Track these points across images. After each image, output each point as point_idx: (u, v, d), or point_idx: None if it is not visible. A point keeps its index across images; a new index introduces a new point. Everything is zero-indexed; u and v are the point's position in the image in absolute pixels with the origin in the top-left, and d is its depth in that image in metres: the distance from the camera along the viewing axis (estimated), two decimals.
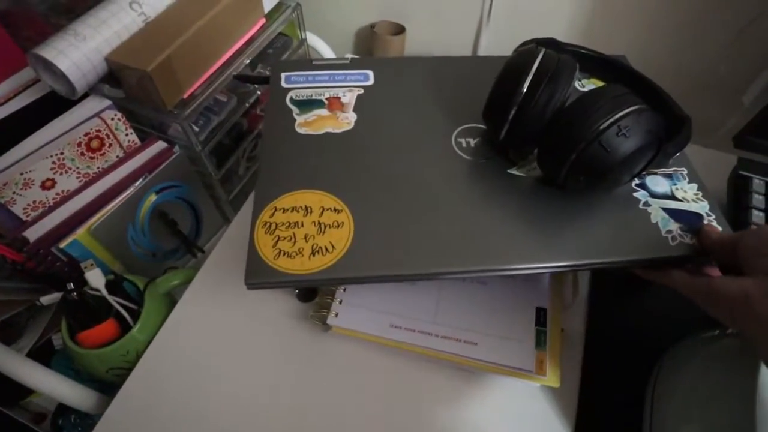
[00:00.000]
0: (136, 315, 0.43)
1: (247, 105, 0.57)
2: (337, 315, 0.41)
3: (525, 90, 0.34)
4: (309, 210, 0.36)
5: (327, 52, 0.67)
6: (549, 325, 0.41)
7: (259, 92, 0.58)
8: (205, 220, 0.57)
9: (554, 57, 0.35)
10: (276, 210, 0.36)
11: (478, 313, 0.41)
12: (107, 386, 0.43)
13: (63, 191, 0.44)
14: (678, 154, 0.39)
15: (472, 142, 0.40)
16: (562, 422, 0.38)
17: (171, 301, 0.46)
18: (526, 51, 0.36)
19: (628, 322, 0.44)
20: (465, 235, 0.35)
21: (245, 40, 0.54)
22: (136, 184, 0.46)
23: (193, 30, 0.46)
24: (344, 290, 0.42)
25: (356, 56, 0.48)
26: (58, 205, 0.43)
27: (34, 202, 0.42)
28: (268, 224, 0.35)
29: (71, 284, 0.41)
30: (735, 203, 0.49)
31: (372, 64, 0.47)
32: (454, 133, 0.41)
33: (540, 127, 0.34)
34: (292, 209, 0.36)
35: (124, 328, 0.43)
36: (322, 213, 0.36)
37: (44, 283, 0.44)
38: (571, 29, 0.59)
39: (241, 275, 0.34)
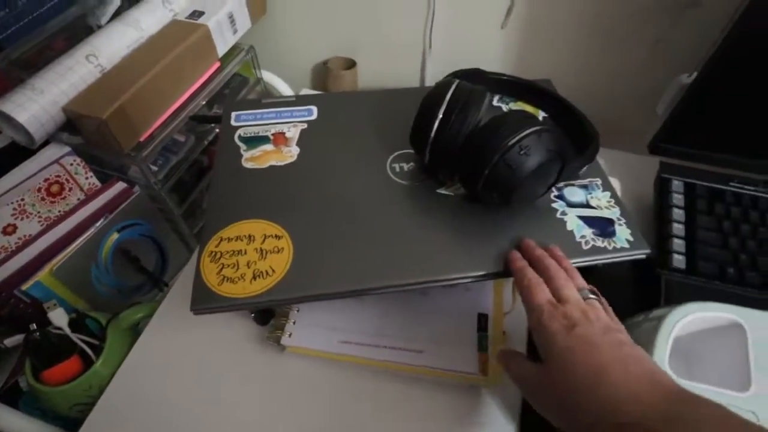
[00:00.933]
0: (99, 350, 0.45)
1: (206, 143, 0.60)
2: (290, 335, 0.43)
3: (440, 118, 0.38)
4: (252, 238, 0.39)
5: (283, 87, 0.71)
6: (491, 329, 0.43)
7: (217, 130, 0.62)
8: (171, 255, 0.59)
9: (466, 87, 0.39)
10: (222, 240, 0.39)
11: (423, 323, 0.44)
12: (73, 424, 0.44)
13: (24, 236, 0.46)
14: (587, 167, 0.42)
15: (406, 166, 0.44)
16: (507, 419, 0.40)
17: (135, 334, 0.48)
18: (443, 83, 0.40)
19: None
20: (398, 252, 0.38)
21: (201, 83, 0.58)
22: (97, 224, 0.49)
23: (147, 78, 0.50)
24: (297, 311, 0.45)
25: (304, 93, 0.52)
26: (20, 249, 0.45)
27: None
28: (213, 253, 0.38)
29: (33, 325, 0.43)
30: (659, 203, 0.53)
31: (317, 100, 0.51)
32: (389, 160, 0.45)
33: (456, 150, 0.38)
34: (236, 238, 0.39)
35: (88, 364, 0.44)
36: (264, 240, 0.38)
37: (7, 326, 0.46)
38: (505, 56, 0.64)
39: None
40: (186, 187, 0.60)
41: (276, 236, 0.39)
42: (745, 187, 0.53)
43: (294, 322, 0.44)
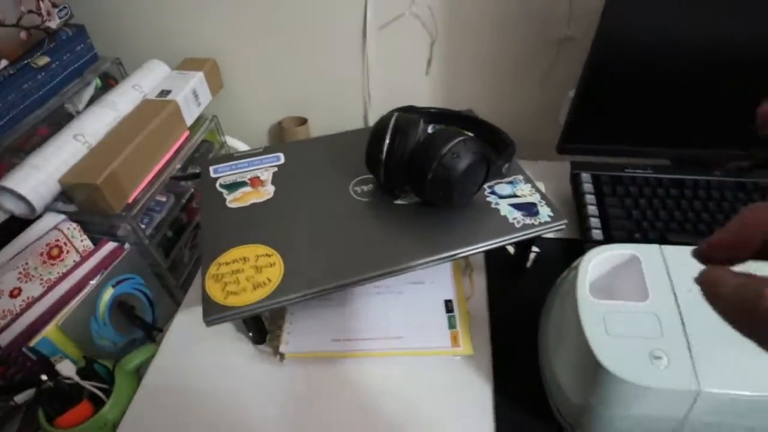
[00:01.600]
0: (107, 393, 0.48)
1: (183, 201, 0.67)
2: (287, 344, 0.49)
3: (387, 142, 0.47)
4: (246, 259, 0.45)
5: (244, 148, 0.80)
6: (457, 310, 0.51)
7: (192, 189, 0.69)
8: (159, 307, 0.63)
9: (404, 116, 0.49)
10: (220, 264, 0.45)
11: (400, 315, 0.51)
12: None
13: (28, 297, 0.50)
14: (509, 167, 0.53)
15: (366, 188, 0.53)
16: (483, 381, 0.47)
17: (138, 376, 0.52)
18: (386, 116, 0.50)
19: (519, 296, 0.56)
20: (369, 252, 0.46)
21: (174, 150, 0.66)
22: (93, 281, 0.54)
23: (130, 148, 0.57)
24: (290, 323, 0.51)
25: (269, 145, 0.61)
26: (24, 310, 0.49)
27: (2, 311, 0.48)
28: (215, 275, 0.44)
29: (44, 376, 0.46)
30: (575, 193, 0.65)
31: (282, 148, 0.60)
32: (351, 185, 0.53)
33: (404, 165, 0.47)
34: (233, 261, 0.45)
35: (99, 406, 0.48)
36: (257, 259, 0.45)
37: (17, 384, 0.48)
38: (433, 95, 0.77)
39: (197, 343, 0.45)
40: (170, 243, 0.65)
41: (267, 255, 0.46)
42: (637, 171, 0.66)
43: (289, 333, 0.50)
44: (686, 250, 0.44)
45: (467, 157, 0.45)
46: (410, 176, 0.47)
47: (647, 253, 0.43)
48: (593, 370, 0.37)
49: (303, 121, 0.81)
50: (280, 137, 0.84)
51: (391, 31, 0.71)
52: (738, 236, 0.19)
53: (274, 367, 0.49)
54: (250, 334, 0.50)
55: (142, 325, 0.59)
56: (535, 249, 0.60)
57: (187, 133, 0.68)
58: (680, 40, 0.55)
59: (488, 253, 0.60)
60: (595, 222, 0.61)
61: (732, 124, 0.61)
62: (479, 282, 0.57)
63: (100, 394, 0.48)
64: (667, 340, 0.37)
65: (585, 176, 0.66)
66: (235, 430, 0.45)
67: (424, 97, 0.76)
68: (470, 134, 0.48)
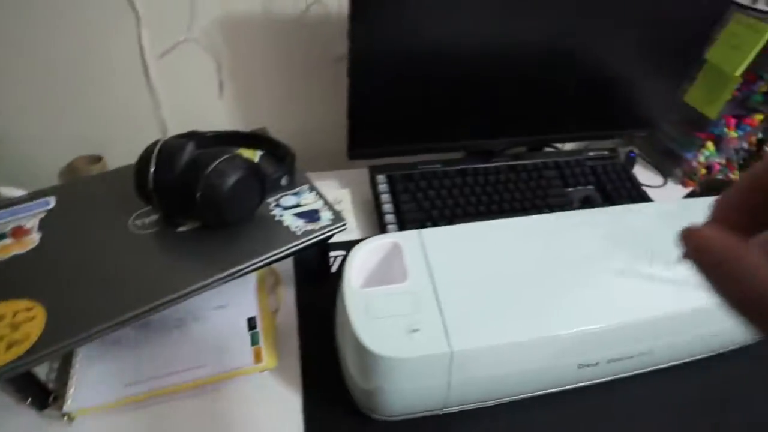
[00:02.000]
0: None
1: None
2: (72, 400, 0.45)
3: (152, 169, 0.47)
4: (2, 318, 0.41)
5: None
6: (260, 326, 0.52)
7: None
8: None
9: (170, 142, 0.49)
10: None
11: (202, 343, 0.51)
12: None
13: None
14: (287, 177, 0.56)
15: (147, 221, 0.52)
16: (292, 393, 0.49)
17: None
18: (150, 145, 0.49)
19: (327, 302, 0.59)
20: (144, 287, 0.44)
21: None
22: None
23: None
24: (77, 378, 0.47)
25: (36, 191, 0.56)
26: None
27: None
28: None
29: None
30: (374, 194, 0.71)
31: (54, 191, 0.56)
32: (130, 220, 0.52)
33: (173, 191, 0.47)
34: None
35: None
36: (15, 315, 0.42)
37: None
38: (231, 116, 0.78)
39: None
40: None
41: (27, 309, 0.42)
42: (427, 166, 0.74)
43: (74, 389, 0.46)
44: (440, 231, 0.53)
45: (234, 174, 0.46)
46: (182, 201, 0.48)
47: (407, 239, 0.48)
48: (362, 354, 0.40)
49: (98, 159, 0.76)
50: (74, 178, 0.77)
51: (174, 58, 0.70)
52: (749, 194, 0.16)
53: (66, 429, 0.45)
54: (29, 400, 0.45)
55: None
56: (340, 252, 0.64)
57: None
58: (427, 42, 0.62)
59: (297, 264, 0.62)
60: (390, 218, 0.67)
61: (491, 116, 0.72)
62: (289, 294, 0.59)
63: None
64: (423, 315, 0.42)
65: (380, 177, 0.72)
66: None
67: (222, 120, 0.76)
68: (238, 152, 0.49)
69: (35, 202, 0.54)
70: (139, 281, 0.45)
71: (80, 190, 0.56)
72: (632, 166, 0.84)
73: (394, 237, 0.48)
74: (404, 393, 0.43)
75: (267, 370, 0.50)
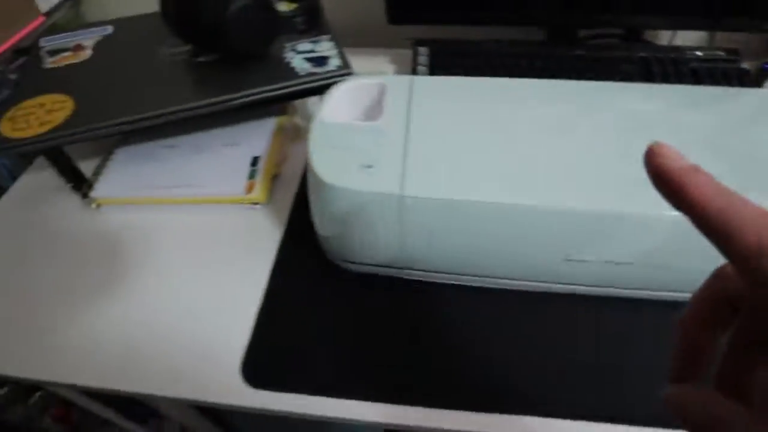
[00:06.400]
0: None
1: None
2: (95, 190, 0.53)
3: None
4: (42, 105, 0.49)
5: None
6: (261, 165, 0.55)
7: None
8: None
9: None
10: (18, 109, 0.49)
11: (209, 170, 0.55)
12: None
13: None
14: (305, 20, 0.55)
15: (175, 51, 0.56)
16: (275, 226, 0.52)
17: None
18: None
19: None
20: (155, 99, 0.49)
21: (25, 33, 0.68)
22: None
23: None
24: (106, 174, 0.55)
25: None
26: None
27: None
28: (10, 118, 0.48)
29: None
30: (413, 70, 0.67)
31: (113, 22, 0.63)
32: (162, 49, 0.56)
33: (190, 16, 0.50)
34: (30, 107, 0.49)
35: None
36: (52, 104, 0.49)
37: None
38: None
39: (34, 197, 0.54)
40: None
41: (62, 101, 0.50)
42: (479, 45, 0.67)
43: (100, 182, 0.54)
44: (439, 80, 0.48)
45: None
46: (195, 26, 0.50)
47: (395, 81, 0.45)
48: (315, 183, 0.40)
49: None
50: None
51: None
52: (686, 359, 0.18)
53: (90, 214, 0.54)
54: (70, 184, 0.55)
55: None
56: None
57: (41, 18, 0.71)
58: None
59: None
60: None
61: None
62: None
63: None
64: (384, 154, 0.39)
65: (422, 50, 0.67)
66: (52, 267, 0.50)
67: None
68: None
69: (98, 27, 0.61)
70: (152, 94, 0.50)
71: (134, 24, 0.62)
72: (762, 82, 0.63)
73: (382, 78, 0.46)
74: (354, 235, 0.42)
75: (258, 205, 0.53)
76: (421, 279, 0.45)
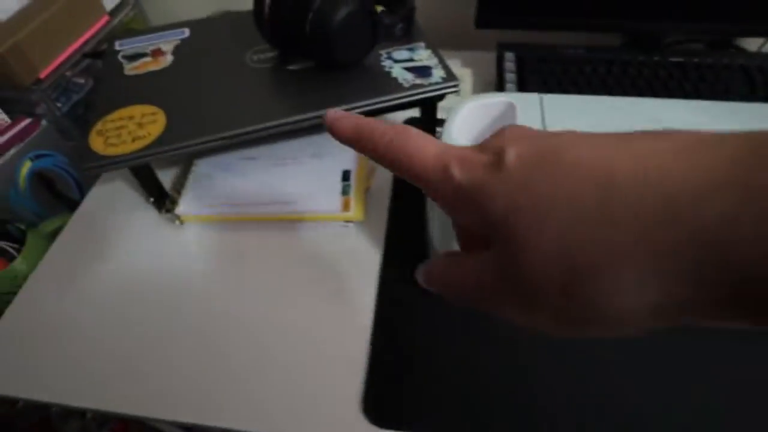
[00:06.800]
0: (19, 252, 0.51)
1: None
2: (182, 207, 0.51)
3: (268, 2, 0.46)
4: (132, 117, 0.46)
5: None
6: (353, 179, 0.52)
7: None
8: (85, 188, 0.66)
9: None
10: (106, 121, 0.46)
11: (296, 184, 0.52)
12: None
13: None
14: (403, 26, 0.52)
15: (263, 57, 0.53)
16: (373, 247, 0.49)
17: (52, 241, 0.55)
18: None
19: None
20: (251, 111, 0.46)
21: (91, 34, 0.65)
22: (11, 152, 0.56)
23: (38, 22, 0.57)
24: (189, 190, 0.52)
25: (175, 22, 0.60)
26: None
27: None
28: (99, 131, 0.45)
29: None
30: (498, 78, 0.63)
31: (189, 24, 0.59)
32: (247, 54, 0.53)
33: (289, 22, 0.46)
34: (119, 119, 0.46)
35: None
36: (142, 117, 0.46)
37: None
38: None
39: (110, 211, 0.51)
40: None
41: (152, 114, 0.47)
42: (567, 51, 0.63)
43: (186, 197, 0.51)
44: (569, 99, 0.45)
45: (346, 4, 0.44)
46: (294, 33, 0.47)
47: (525, 101, 0.42)
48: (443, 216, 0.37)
49: None
50: None
51: None
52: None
53: (174, 232, 0.51)
54: (151, 199, 0.52)
55: (64, 200, 0.61)
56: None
57: (106, 18, 0.67)
58: None
59: None
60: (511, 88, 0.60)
61: None
62: None
63: (11, 249, 0.51)
64: None
65: (509, 54, 0.64)
66: (133, 287, 0.48)
67: None
68: None
69: (173, 30, 0.58)
70: (248, 107, 0.47)
71: (211, 26, 0.59)
72: None
73: (509, 96, 0.42)
74: None
75: (352, 222, 0.50)
76: None
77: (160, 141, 0.44)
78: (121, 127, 0.45)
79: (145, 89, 0.50)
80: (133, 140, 0.44)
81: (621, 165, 0.14)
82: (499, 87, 0.62)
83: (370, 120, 0.20)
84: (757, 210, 0.11)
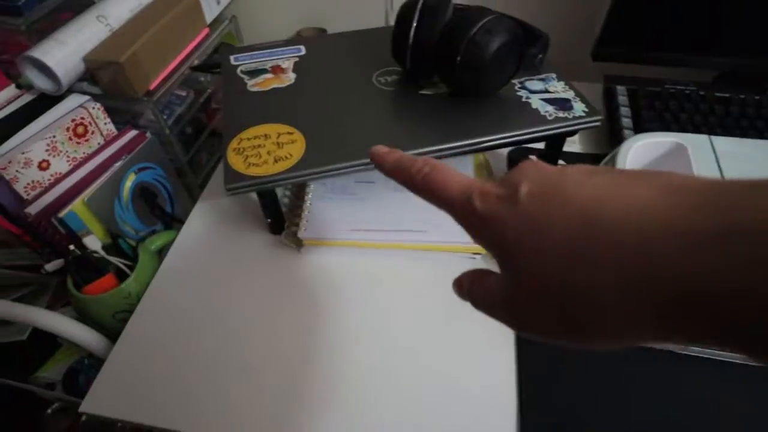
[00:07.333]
0: (132, 269, 0.50)
1: (202, 100, 0.66)
2: (305, 230, 0.49)
3: (415, 24, 0.45)
4: (268, 136, 0.45)
5: None
6: None
7: (210, 89, 0.68)
8: (177, 202, 0.64)
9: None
10: (241, 140, 0.45)
11: (420, 211, 0.50)
12: (116, 333, 0.48)
13: (56, 173, 0.51)
14: (542, 57, 0.50)
15: (389, 79, 0.51)
16: None
17: (159, 258, 0.53)
18: (411, 1, 0.47)
19: None
20: (389, 137, 0.44)
21: (193, 46, 0.64)
22: (117, 163, 0.54)
23: (152, 31, 0.56)
24: (309, 213, 0.51)
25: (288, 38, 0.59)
26: (53, 185, 0.50)
27: (32, 181, 0.49)
28: (237, 149, 0.44)
29: (72, 246, 0.47)
30: (608, 112, 0.62)
31: (303, 41, 0.58)
32: (374, 75, 0.52)
33: (432, 46, 0.45)
34: (254, 137, 0.45)
35: (123, 280, 0.49)
36: (278, 136, 0.45)
37: (47, 253, 0.50)
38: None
39: (216, 230, 0.50)
40: (189, 140, 0.65)
41: (288, 133, 0.45)
42: (677, 86, 0.62)
43: (307, 221, 0.50)
44: (736, 141, 0.43)
45: (501, 35, 0.43)
46: (439, 58, 0.45)
47: (695, 142, 0.41)
48: None
49: (322, 32, 0.79)
50: None
51: None
52: None
53: (291, 256, 0.50)
54: (269, 220, 0.50)
55: (162, 215, 0.60)
56: (561, 163, 0.58)
57: (206, 30, 0.67)
58: None
59: (510, 161, 0.58)
60: (629, 134, 0.58)
61: None
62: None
63: (125, 268, 0.49)
64: None
65: (620, 89, 0.62)
66: (244, 313, 0.46)
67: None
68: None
69: (289, 47, 0.57)
70: (383, 132, 0.46)
71: (325, 44, 0.58)
72: None
73: (677, 137, 0.41)
74: None
75: (480, 254, 0.48)
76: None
77: (303, 163, 0.42)
78: (259, 146, 0.44)
79: (273, 107, 0.48)
80: (276, 161, 0.42)
81: (610, 205, 0.16)
82: (609, 119, 0.61)
83: (410, 156, 0.24)
84: (687, 241, 0.14)
